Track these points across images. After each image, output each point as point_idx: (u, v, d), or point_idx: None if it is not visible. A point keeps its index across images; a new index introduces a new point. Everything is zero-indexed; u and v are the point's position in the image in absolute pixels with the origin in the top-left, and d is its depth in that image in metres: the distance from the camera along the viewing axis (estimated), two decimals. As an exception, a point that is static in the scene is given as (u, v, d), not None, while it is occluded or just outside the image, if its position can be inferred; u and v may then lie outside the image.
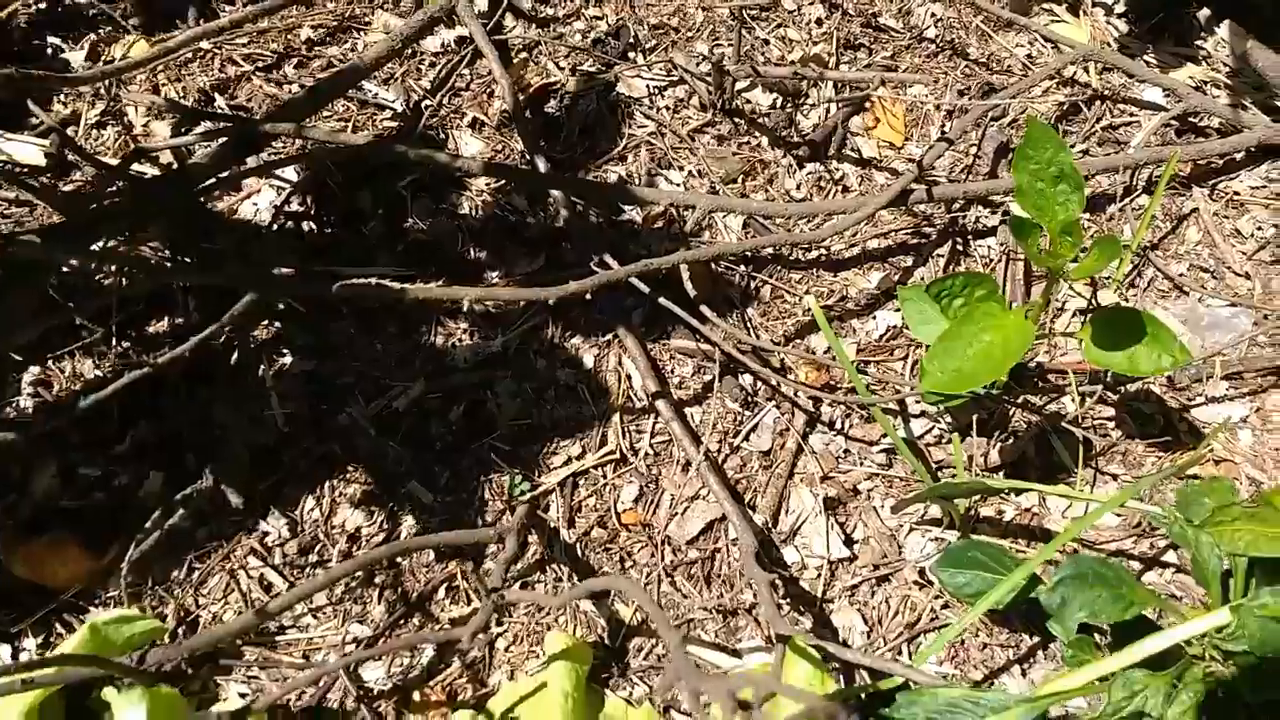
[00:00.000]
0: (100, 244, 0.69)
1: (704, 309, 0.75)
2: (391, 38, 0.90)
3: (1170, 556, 0.74)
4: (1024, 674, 0.69)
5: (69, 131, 0.92)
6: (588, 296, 0.67)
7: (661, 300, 0.75)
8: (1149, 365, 0.63)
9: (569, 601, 0.62)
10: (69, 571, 0.67)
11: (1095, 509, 0.60)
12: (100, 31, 0.99)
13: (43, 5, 1.00)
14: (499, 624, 0.69)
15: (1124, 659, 0.52)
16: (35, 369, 0.76)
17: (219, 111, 0.91)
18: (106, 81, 0.90)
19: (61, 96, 0.94)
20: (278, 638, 0.67)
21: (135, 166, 0.85)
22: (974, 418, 0.78)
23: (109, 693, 0.56)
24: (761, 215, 0.87)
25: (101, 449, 0.71)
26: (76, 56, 0.96)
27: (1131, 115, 1.01)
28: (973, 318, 0.62)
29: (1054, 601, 0.56)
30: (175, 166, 0.78)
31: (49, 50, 0.97)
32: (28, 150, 0.88)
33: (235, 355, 0.76)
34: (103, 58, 0.97)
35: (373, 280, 0.57)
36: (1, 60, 0.95)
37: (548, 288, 0.66)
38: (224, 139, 0.77)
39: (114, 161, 0.86)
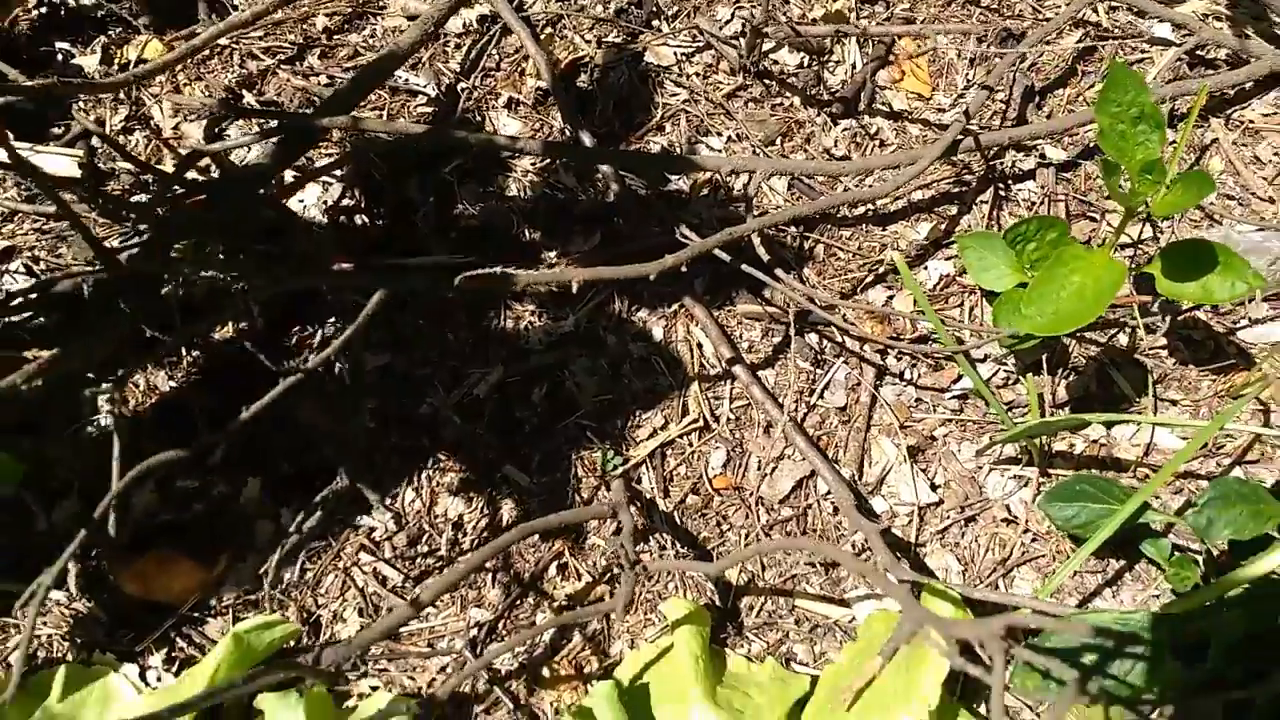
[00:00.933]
0: (178, 253, 0.67)
1: (779, 271, 0.76)
2: (424, 20, 0.89)
3: (1238, 472, 0.78)
4: (1114, 596, 0.73)
5: (79, 147, 0.89)
6: (683, 269, 0.68)
7: (744, 267, 0.76)
8: (1224, 293, 0.65)
9: (730, 565, 0.63)
10: (181, 585, 0.66)
11: (1202, 430, 0.63)
12: (110, 33, 0.96)
13: (43, 10, 0.97)
14: (610, 594, 0.71)
15: (1260, 567, 0.55)
16: (107, 384, 0.74)
17: (270, 109, 0.89)
18: (133, 85, 0.87)
19: (82, 103, 0.91)
20: (400, 630, 0.67)
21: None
22: (1042, 358, 0.80)
23: (265, 697, 0.56)
24: (818, 175, 0.88)
25: (196, 460, 0.71)
26: (90, 61, 0.93)
27: (1143, 52, 1.03)
28: (1062, 260, 0.64)
29: (1201, 522, 0.59)
30: (233, 166, 0.76)
31: (59, 56, 0.94)
32: (59, 162, 0.86)
33: (313, 356, 0.75)
34: (117, 60, 0.94)
35: (496, 270, 0.57)
36: (11, 68, 0.92)
37: (646, 264, 0.66)
38: (277, 136, 0.76)
39: (166, 167, 0.84)
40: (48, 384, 0.70)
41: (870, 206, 0.91)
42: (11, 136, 0.87)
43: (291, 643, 0.63)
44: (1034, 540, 0.74)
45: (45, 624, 0.64)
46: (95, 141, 0.88)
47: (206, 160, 0.84)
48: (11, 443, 0.65)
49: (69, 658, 0.62)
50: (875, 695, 0.58)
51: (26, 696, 0.59)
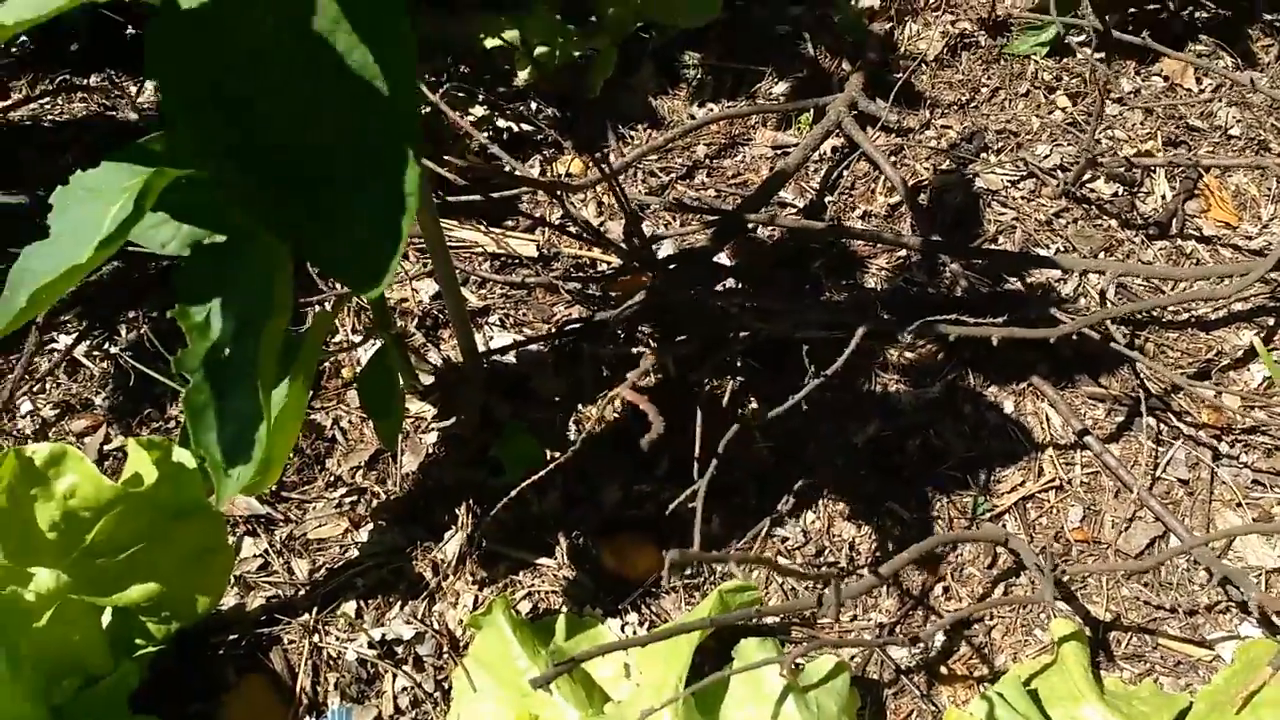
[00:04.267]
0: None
1: (1136, 354, 0.89)
2: (804, 146, 1.10)
3: None
4: None
5: (535, 232, 1.14)
6: (1051, 341, 0.83)
7: (1113, 344, 0.89)
8: None
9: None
10: (646, 564, 0.83)
11: None
12: (544, 152, 1.22)
13: (488, 134, 1.25)
14: (990, 617, 0.82)
15: None
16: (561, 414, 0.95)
17: (705, 206, 1.12)
18: (585, 189, 1.12)
19: (526, 201, 1.17)
20: (819, 620, 0.81)
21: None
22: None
23: (745, 643, 0.71)
24: (1157, 278, 1.01)
25: (649, 471, 0.89)
26: (531, 172, 1.20)
27: None
28: None
29: None
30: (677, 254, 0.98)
31: (506, 168, 1.21)
32: (522, 245, 1.10)
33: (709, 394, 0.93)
34: (549, 173, 1.20)
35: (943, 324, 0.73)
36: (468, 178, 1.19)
37: (1045, 329, 0.81)
38: (712, 229, 0.97)
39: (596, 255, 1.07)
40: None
41: (1193, 314, 1.03)
42: (485, 224, 1.14)
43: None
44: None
45: (544, 583, 0.82)
46: (540, 232, 1.13)
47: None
48: (540, 430, 0.86)
49: (564, 609, 0.79)
50: (1265, 702, 0.66)
51: (532, 637, 0.76)
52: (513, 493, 0.77)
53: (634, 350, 0.96)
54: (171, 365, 0.60)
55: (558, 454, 0.78)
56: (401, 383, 0.82)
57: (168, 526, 0.70)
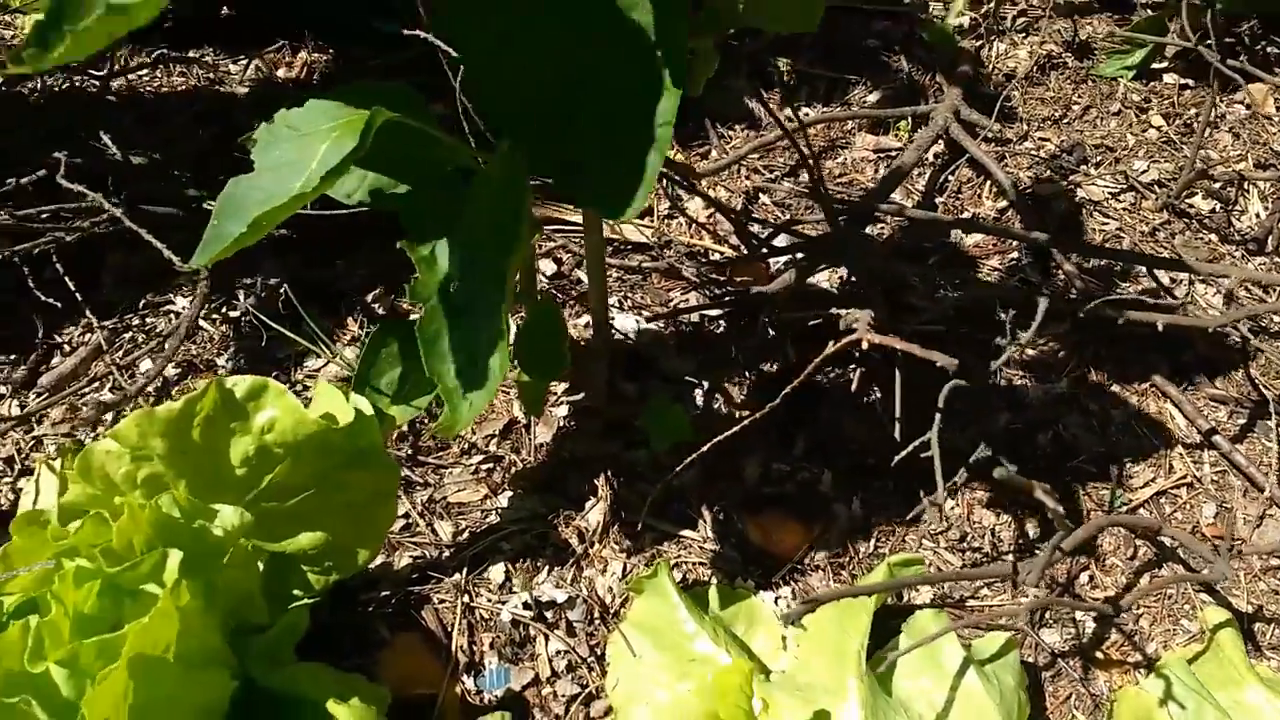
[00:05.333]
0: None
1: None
2: (918, 146, 1.12)
3: None
4: None
5: (646, 221, 1.15)
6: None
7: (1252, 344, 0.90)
8: None
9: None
10: (790, 542, 0.82)
11: None
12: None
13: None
14: (1137, 606, 0.82)
15: None
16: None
17: (830, 196, 1.13)
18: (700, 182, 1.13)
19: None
20: (968, 602, 0.80)
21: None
22: None
23: (920, 614, 0.71)
24: (1271, 285, 1.03)
25: (786, 449, 0.89)
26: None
27: None
28: None
29: None
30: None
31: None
32: (635, 232, 1.11)
33: (856, 380, 0.94)
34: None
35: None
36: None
37: (1204, 317, 0.82)
38: (846, 218, 0.98)
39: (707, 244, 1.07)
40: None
41: (1299, 324, 1.05)
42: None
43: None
44: None
45: (691, 554, 0.81)
46: (649, 223, 1.13)
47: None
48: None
49: (714, 581, 0.79)
50: None
51: (692, 603, 0.75)
52: (676, 470, 0.76)
53: (767, 337, 0.96)
54: (408, 293, 0.59)
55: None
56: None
57: (341, 474, 0.68)
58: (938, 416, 0.64)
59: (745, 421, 0.74)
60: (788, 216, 1.15)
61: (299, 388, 0.92)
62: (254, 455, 0.64)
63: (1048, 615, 0.81)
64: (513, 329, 0.75)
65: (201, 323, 0.97)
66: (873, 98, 1.33)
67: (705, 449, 0.73)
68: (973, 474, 0.88)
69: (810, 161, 0.88)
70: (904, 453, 0.65)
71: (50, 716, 0.53)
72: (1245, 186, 1.19)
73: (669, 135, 0.59)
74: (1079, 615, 0.80)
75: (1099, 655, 0.78)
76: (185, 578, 0.57)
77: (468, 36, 0.60)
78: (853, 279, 1.04)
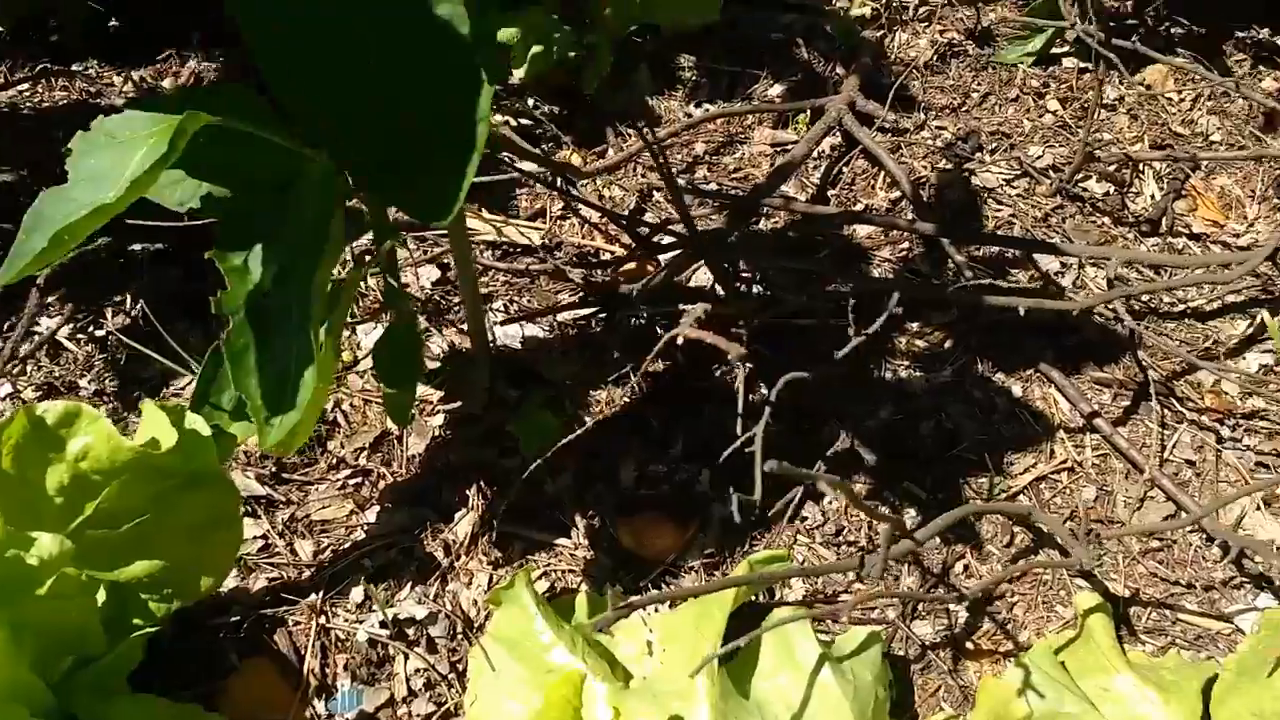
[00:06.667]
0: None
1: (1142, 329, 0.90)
2: (808, 140, 1.11)
3: None
4: None
5: (536, 223, 1.13)
6: (1074, 314, 0.84)
7: (1128, 322, 0.90)
8: None
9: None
10: (663, 544, 0.81)
11: None
12: (544, 146, 1.22)
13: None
14: (1011, 594, 0.81)
15: None
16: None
17: (718, 192, 1.12)
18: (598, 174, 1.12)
19: (527, 192, 1.16)
20: (841, 597, 0.80)
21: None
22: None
23: (776, 612, 0.70)
24: (1156, 265, 1.03)
25: (664, 450, 0.87)
26: (530, 167, 1.19)
27: None
28: None
29: None
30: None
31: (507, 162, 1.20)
32: (523, 233, 1.09)
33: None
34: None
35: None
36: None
37: (1066, 302, 0.82)
38: (729, 213, 0.97)
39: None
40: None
41: (1186, 305, 1.05)
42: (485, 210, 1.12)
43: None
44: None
45: (561, 561, 0.79)
46: (540, 223, 1.12)
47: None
48: (554, 407, 0.84)
49: (584, 588, 0.77)
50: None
51: (554, 614, 0.73)
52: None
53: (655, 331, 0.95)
54: (213, 306, 0.57)
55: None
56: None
57: (175, 497, 0.67)
58: (766, 410, 0.63)
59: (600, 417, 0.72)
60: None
61: (166, 407, 0.89)
62: (69, 483, 0.62)
63: (920, 607, 0.80)
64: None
65: (66, 342, 0.94)
66: (775, 90, 1.32)
67: (564, 441, 0.72)
68: (847, 468, 0.88)
69: (662, 161, 0.87)
70: (731, 448, 0.64)
71: None
72: (1140, 169, 1.19)
73: (486, 133, 0.57)
74: (951, 605, 0.79)
75: (970, 645, 0.78)
76: (-12, 610, 0.54)
77: (265, 26, 0.58)
78: (747, 277, 1.03)
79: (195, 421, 0.67)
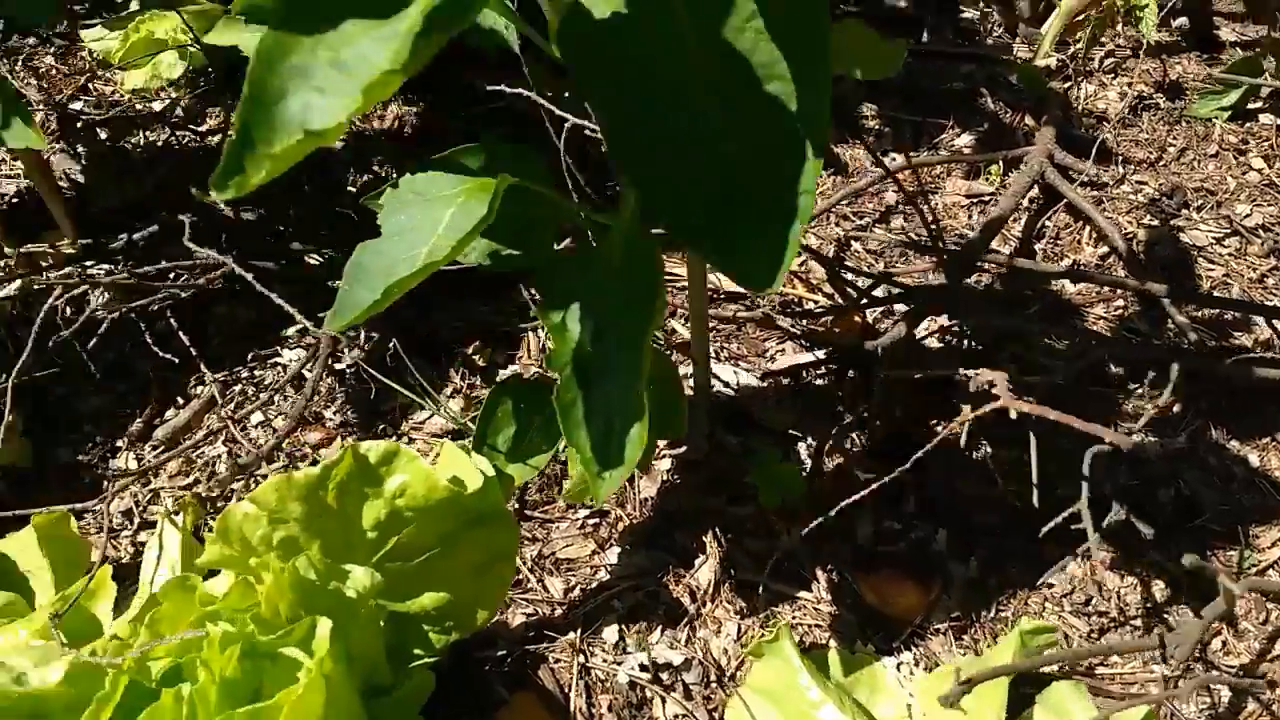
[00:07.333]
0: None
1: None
2: (1013, 193, 1.10)
3: None
4: None
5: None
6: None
7: None
8: None
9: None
10: (907, 603, 0.80)
11: None
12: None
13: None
14: (1275, 675, 0.78)
15: None
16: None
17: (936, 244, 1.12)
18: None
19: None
20: (1098, 670, 0.78)
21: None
22: None
23: (1057, 686, 0.68)
24: None
25: (896, 507, 0.87)
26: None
27: None
28: None
29: None
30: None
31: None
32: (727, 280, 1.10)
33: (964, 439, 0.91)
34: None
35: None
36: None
37: None
38: (946, 268, 0.97)
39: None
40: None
41: None
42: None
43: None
44: None
45: (806, 615, 0.79)
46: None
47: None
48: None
49: (833, 644, 0.77)
50: None
51: (814, 668, 0.73)
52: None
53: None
54: (545, 361, 0.59)
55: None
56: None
57: (464, 533, 0.69)
58: (1085, 485, 0.62)
59: (874, 486, 0.72)
60: (881, 264, 1.14)
61: (406, 439, 0.93)
62: (385, 519, 0.64)
63: (1180, 684, 0.77)
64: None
65: (306, 374, 0.98)
66: (963, 140, 1.32)
67: (833, 513, 0.72)
68: (1100, 535, 0.86)
69: (920, 205, 0.87)
70: (1052, 523, 0.63)
71: (202, 785, 0.53)
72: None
73: (811, 204, 0.58)
74: (1212, 685, 0.77)
75: (1241, 729, 0.75)
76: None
77: (610, 101, 0.60)
78: (957, 331, 1.03)
79: (483, 464, 0.70)
